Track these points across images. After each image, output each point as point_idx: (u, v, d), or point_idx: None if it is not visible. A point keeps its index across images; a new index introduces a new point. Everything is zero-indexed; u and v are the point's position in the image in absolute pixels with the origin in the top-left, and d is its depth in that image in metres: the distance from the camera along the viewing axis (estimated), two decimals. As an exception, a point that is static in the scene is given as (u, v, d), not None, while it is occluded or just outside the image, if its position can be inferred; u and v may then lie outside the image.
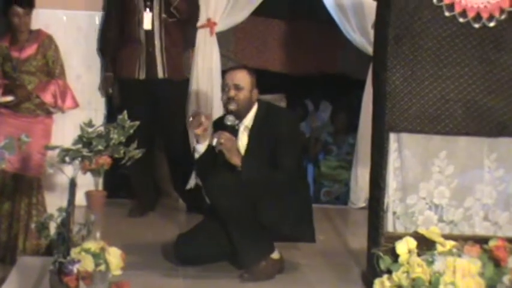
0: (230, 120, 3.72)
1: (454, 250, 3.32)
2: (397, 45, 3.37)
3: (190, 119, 3.73)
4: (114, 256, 3.26)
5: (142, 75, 4.80)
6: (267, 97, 4.86)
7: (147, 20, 4.77)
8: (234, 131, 3.72)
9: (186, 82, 5.15)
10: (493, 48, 3.40)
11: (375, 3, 3.67)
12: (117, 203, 5.18)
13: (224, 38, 5.58)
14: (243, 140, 3.76)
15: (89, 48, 5.04)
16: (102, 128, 3.39)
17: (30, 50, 4.56)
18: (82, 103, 4.81)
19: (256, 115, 3.78)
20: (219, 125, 3.78)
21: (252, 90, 3.77)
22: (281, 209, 3.66)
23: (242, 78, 3.76)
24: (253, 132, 3.75)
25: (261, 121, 3.76)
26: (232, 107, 3.72)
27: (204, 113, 3.78)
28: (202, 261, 3.77)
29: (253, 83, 3.78)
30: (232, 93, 3.72)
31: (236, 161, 3.62)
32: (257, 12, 5.50)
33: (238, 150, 3.68)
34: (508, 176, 3.53)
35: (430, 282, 3.22)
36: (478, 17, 3.38)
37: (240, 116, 3.75)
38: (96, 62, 5.06)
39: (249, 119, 3.77)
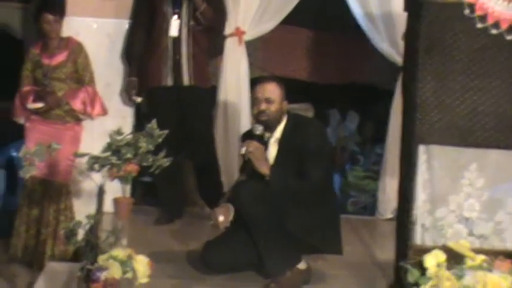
0: (259, 129, 3.72)
1: (484, 265, 3.27)
2: (428, 57, 3.34)
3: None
4: (141, 264, 3.28)
5: (169, 82, 4.81)
6: (295, 106, 4.85)
7: (175, 27, 4.77)
8: (262, 141, 3.72)
9: (213, 90, 5.16)
10: (522, 60, 3.37)
11: (404, 13, 3.65)
12: (143, 210, 5.20)
13: (251, 47, 5.58)
14: (272, 152, 3.76)
15: (118, 56, 5.07)
16: (130, 136, 3.42)
17: (60, 57, 4.60)
18: (111, 110, 4.83)
19: (286, 126, 3.78)
20: (247, 136, 3.78)
21: (282, 102, 3.77)
22: (309, 219, 3.65)
23: (272, 91, 3.76)
24: (282, 144, 3.75)
25: (290, 132, 3.76)
26: (264, 118, 3.73)
27: (223, 210, 3.70)
28: (229, 270, 3.77)
29: (282, 94, 3.78)
30: (263, 106, 3.73)
31: (265, 170, 3.62)
32: (285, 21, 5.50)
33: (266, 160, 3.68)
34: (540, 189, 3.48)
35: (459, 297, 3.18)
36: (510, 29, 3.34)
37: (270, 127, 3.76)
38: (125, 69, 5.09)
39: (279, 131, 3.78)
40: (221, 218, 3.62)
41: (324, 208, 3.73)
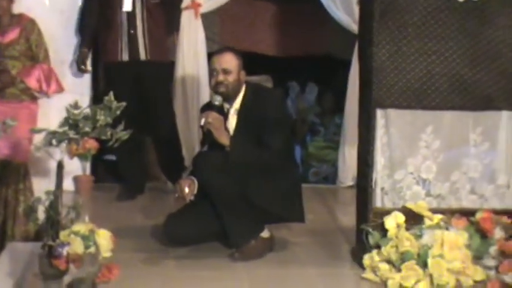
0: (218, 100, 3.72)
1: (442, 223, 3.35)
2: (383, 21, 3.37)
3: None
4: (104, 238, 3.27)
5: (125, 57, 4.77)
6: (253, 78, 4.85)
7: (128, 2, 4.72)
8: (222, 112, 3.72)
9: (171, 65, 5.13)
10: (477, 22, 3.41)
11: (359, -21, 3.68)
12: (105, 187, 5.18)
13: (209, 20, 5.56)
14: (232, 123, 3.76)
15: (72, 33, 5.00)
16: (88, 110, 3.39)
17: (12, 35, 4.53)
18: (67, 88, 4.79)
19: (245, 97, 3.78)
20: (207, 107, 3.78)
21: (240, 73, 3.77)
22: (270, 189, 3.67)
23: (229, 61, 3.75)
24: (241, 114, 3.75)
25: (249, 102, 3.76)
26: (221, 89, 3.72)
27: (188, 182, 3.68)
28: (192, 241, 3.77)
29: (240, 65, 3.78)
30: (221, 77, 3.72)
31: (224, 140, 3.62)
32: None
33: (226, 130, 3.68)
34: (493, 149, 3.55)
35: (418, 256, 3.24)
36: (462, -9, 3.39)
37: (229, 98, 3.76)
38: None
39: (238, 102, 3.78)
40: (187, 190, 3.62)
41: (286, 177, 3.75)
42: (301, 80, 7.54)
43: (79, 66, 4.90)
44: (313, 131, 7.16)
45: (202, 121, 3.64)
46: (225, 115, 3.74)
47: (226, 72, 3.72)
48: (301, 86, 7.57)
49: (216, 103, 3.71)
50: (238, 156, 3.61)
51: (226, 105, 3.76)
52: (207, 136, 3.68)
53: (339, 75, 6.60)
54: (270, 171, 3.66)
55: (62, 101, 4.54)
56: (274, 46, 6.41)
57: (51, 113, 4.65)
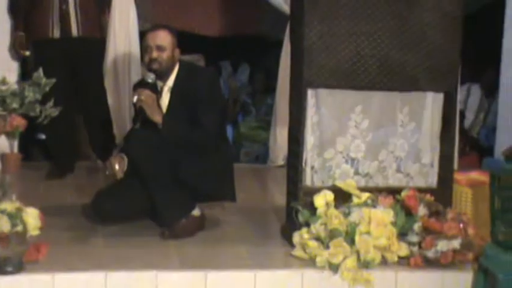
0: (151, 77, 3.70)
1: (369, 201, 3.42)
2: (314, 1, 3.40)
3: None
4: (32, 216, 3.23)
5: (56, 34, 4.68)
6: (185, 58, 4.81)
7: None
8: (155, 89, 3.70)
9: (103, 42, 5.06)
10: (405, 4, 3.47)
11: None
12: (33, 166, 5.11)
13: (141, -1, 5.50)
14: (166, 101, 3.75)
15: (0, 10, 4.88)
16: (16, 86, 3.33)
17: None
18: (-5, 65, 4.67)
19: (178, 75, 3.76)
20: (140, 85, 3.75)
21: (174, 50, 3.75)
22: (202, 168, 3.68)
23: (164, 38, 3.73)
24: (174, 92, 3.74)
25: (183, 81, 3.75)
26: (155, 66, 3.70)
27: (118, 159, 3.64)
28: (122, 218, 3.75)
29: (174, 42, 3.76)
30: (154, 54, 3.70)
31: (157, 118, 3.61)
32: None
33: (159, 108, 3.67)
34: (419, 129, 3.64)
35: (346, 233, 3.31)
36: (394, -27, 3.45)
37: (163, 76, 3.74)
38: (7, 22, 4.90)
39: (171, 79, 3.76)
40: (117, 167, 3.60)
41: (217, 156, 3.76)
42: (233, 60, 7.56)
43: (18, 51, 4.78)
44: (245, 111, 7.21)
45: (135, 98, 3.62)
46: (158, 93, 3.72)
47: (160, 49, 3.70)
48: (234, 66, 7.60)
49: (149, 81, 3.70)
50: (170, 134, 3.61)
51: (159, 83, 3.75)
52: (140, 114, 3.66)
53: (271, 55, 6.65)
54: (201, 150, 3.67)
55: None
56: (206, 25, 6.39)
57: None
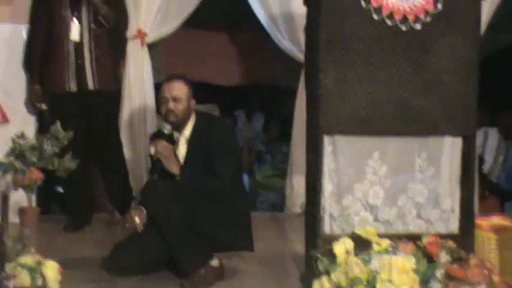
0: (167, 128, 3.72)
1: (390, 248, 3.37)
2: (329, 48, 3.42)
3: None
4: (51, 270, 3.22)
5: (73, 88, 4.73)
6: (200, 107, 4.86)
7: (75, 31, 4.69)
8: (171, 140, 3.72)
9: (118, 94, 5.10)
10: (420, 50, 3.48)
11: (304, 11, 3.73)
12: (51, 219, 5.10)
13: (154, 50, 5.55)
14: (182, 151, 3.76)
15: (16, 62, 4.93)
16: (34, 140, 3.35)
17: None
18: (12, 119, 4.69)
19: (195, 125, 3.78)
20: (156, 136, 3.77)
21: (190, 101, 3.78)
22: (219, 217, 3.67)
23: (180, 89, 3.76)
24: (191, 143, 3.76)
25: (199, 131, 3.77)
26: (172, 119, 3.72)
27: (138, 212, 3.68)
28: (140, 270, 3.73)
29: (190, 93, 3.79)
30: (171, 105, 3.73)
31: (174, 169, 3.62)
32: (188, 23, 5.50)
33: (176, 159, 3.68)
34: (438, 174, 3.62)
35: (368, 281, 3.26)
36: (405, 20, 3.46)
37: (179, 127, 3.76)
38: (23, 76, 4.95)
39: (188, 130, 3.78)
40: (137, 220, 3.60)
41: (234, 205, 3.75)
42: (247, 108, 7.60)
43: (34, 104, 4.83)
44: (260, 159, 7.21)
45: (152, 150, 3.63)
46: (174, 143, 3.74)
47: (176, 100, 3.73)
48: (248, 114, 7.63)
49: (166, 132, 3.71)
50: (187, 184, 3.61)
51: (176, 134, 3.76)
52: (157, 165, 3.67)
53: (285, 103, 6.68)
54: (218, 200, 3.66)
55: (6, 132, 4.46)
56: (220, 75, 6.46)
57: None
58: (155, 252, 3.69)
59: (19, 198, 4.56)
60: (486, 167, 6.54)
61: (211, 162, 3.67)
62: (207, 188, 3.65)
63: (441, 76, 3.52)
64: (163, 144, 3.64)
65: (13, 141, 3.24)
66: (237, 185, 3.82)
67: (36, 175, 4.14)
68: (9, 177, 3.33)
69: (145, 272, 3.74)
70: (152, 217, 3.61)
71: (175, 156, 3.70)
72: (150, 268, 3.75)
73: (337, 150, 3.54)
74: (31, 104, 4.84)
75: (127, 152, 5.11)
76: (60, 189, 5.44)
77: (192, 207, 3.60)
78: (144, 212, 3.62)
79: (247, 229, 3.83)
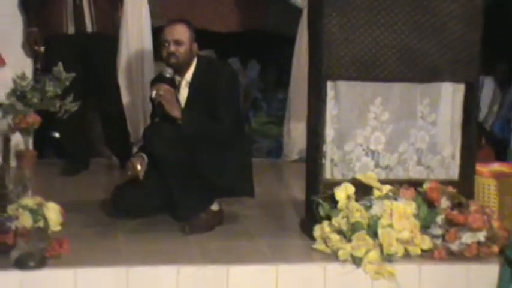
0: (169, 72, 3.68)
1: (390, 194, 3.39)
2: (332, -7, 3.38)
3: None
4: (53, 212, 3.22)
5: (71, 30, 4.67)
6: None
7: None
8: (173, 84, 3.69)
9: (116, 38, 5.04)
10: (424, -6, 3.46)
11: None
12: (48, 163, 5.09)
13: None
14: (184, 95, 3.73)
15: (12, 5, 4.85)
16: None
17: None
18: (8, 62, 4.64)
19: (197, 69, 3.74)
20: (158, 80, 3.73)
21: (192, 44, 3.73)
22: (220, 162, 3.64)
23: (182, 32, 3.71)
24: (193, 86, 3.72)
25: (201, 75, 3.72)
26: (173, 60, 3.68)
27: (140, 159, 3.66)
28: (141, 212, 3.73)
29: (192, 37, 3.74)
30: (172, 48, 3.68)
31: (176, 113, 3.59)
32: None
33: (178, 102, 3.65)
34: (439, 120, 3.62)
35: (368, 226, 3.29)
36: (411, -37, 3.42)
37: (181, 70, 3.72)
38: (19, 18, 4.87)
39: (190, 74, 3.74)
40: (139, 167, 3.59)
41: (236, 151, 3.72)
42: (242, 56, 7.53)
43: (32, 47, 4.76)
44: (256, 106, 7.19)
45: (153, 93, 3.60)
46: (176, 87, 3.71)
47: (178, 43, 3.68)
48: (243, 62, 7.57)
49: (167, 75, 3.67)
50: (189, 128, 3.59)
51: (177, 78, 3.73)
52: (158, 109, 3.65)
53: (280, 51, 6.64)
54: (219, 145, 3.65)
55: (3, 75, 4.41)
56: (216, 21, 6.38)
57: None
58: (156, 196, 3.68)
59: (15, 141, 4.55)
60: (481, 116, 6.55)
61: (213, 106, 3.65)
62: (209, 131, 3.63)
63: (445, 21, 3.49)
64: (165, 87, 3.61)
65: (14, 81, 3.19)
66: (239, 130, 3.79)
67: (34, 118, 4.11)
68: (9, 118, 3.29)
69: (145, 215, 3.74)
70: (154, 161, 3.59)
71: (177, 100, 3.67)
72: (150, 211, 3.75)
73: (339, 96, 3.52)
74: (28, 46, 4.77)
75: (124, 98, 5.07)
76: (55, 135, 5.41)
77: (194, 151, 3.59)
78: (146, 159, 3.61)
79: (248, 174, 3.82)
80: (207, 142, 3.61)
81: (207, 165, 3.62)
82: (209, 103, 3.65)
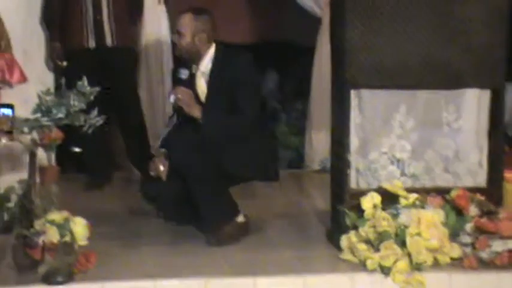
0: (183, 73, 3.68)
1: (417, 202, 3.36)
2: (355, 1, 3.36)
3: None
4: (80, 226, 3.21)
5: (92, 44, 4.69)
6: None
7: None
8: (189, 83, 3.66)
9: (136, 51, 5.05)
10: (446, 1, 3.43)
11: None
12: (70, 178, 5.08)
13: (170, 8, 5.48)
14: (201, 86, 3.70)
15: (34, 21, 4.87)
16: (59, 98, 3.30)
17: (-28, 24, 4.39)
18: (31, 78, 4.64)
19: (214, 59, 3.69)
20: (174, 77, 3.74)
21: (196, 35, 3.67)
22: (247, 155, 3.60)
23: (184, 24, 3.68)
24: (211, 77, 3.68)
25: (219, 64, 3.67)
26: (176, 52, 3.70)
27: (162, 160, 3.67)
28: (170, 203, 3.71)
29: (197, 27, 3.66)
30: (175, 39, 3.68)
31: (196, 113, 3.58)
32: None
33: (197, 102, 3.63)
34: (465, 127, 3.58)
35: (396, 235, 3.26)
36: (432, -28, 3.40)
37: (192, 61, 3.69)
38: (42, 34, 4.89)
39: (205, 64, 3.70)
40: (162, 168, 3.58)
41: (260, 138, 3.68)
42: (260, 67, 7.51)
43: (55, 62, 4.78)
44: (275, 117, 7.15)
45: (172, 98, 3.60)
46: (193, 85, 3.67)
47: (179, 34, 3.67)
48: (261, 73, 7.55)
49: (183, 77, 3.68)
50: (211, 127, 3.56)
51: (194, 67, 3.70)
52: (179, 112, 3.64)
53: (299, 61, 6.61)
54: (245, 136, 3.60)
55: (24, 91, 4.42)
56: (233, 32, 6.36)
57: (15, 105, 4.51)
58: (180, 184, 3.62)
59: (38, 157, 4.55)
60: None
61: (234, 96, 3.60)
62: (232, 124, 3.59)
63: (467, 26, 3.46)
64: (182, 90, 3.59)
65: (39, 97, 3.19)
66: (261, 118, 3.74)
67: (56, 134, 4.10)
68: (34, 133, 3.29)
69: (173, 205, 3.71)
70: (177, 170, 3.57)
71: (197, 96, 3.63)
72: (178, 202, 3.70)
73: (363, 104, 3.50)
74: (52, 61, 4.80)
75: (145, 110, 5.08)
76: (76, 149, 5.41)
77: (217, 150, 3.53)
78: (167, 158, 3.59)
79: (272, 159, 3.76)
80: (230, 137, 3.56)
81: (234, 161, 3.56)
82: (228, 93, 3.60)
